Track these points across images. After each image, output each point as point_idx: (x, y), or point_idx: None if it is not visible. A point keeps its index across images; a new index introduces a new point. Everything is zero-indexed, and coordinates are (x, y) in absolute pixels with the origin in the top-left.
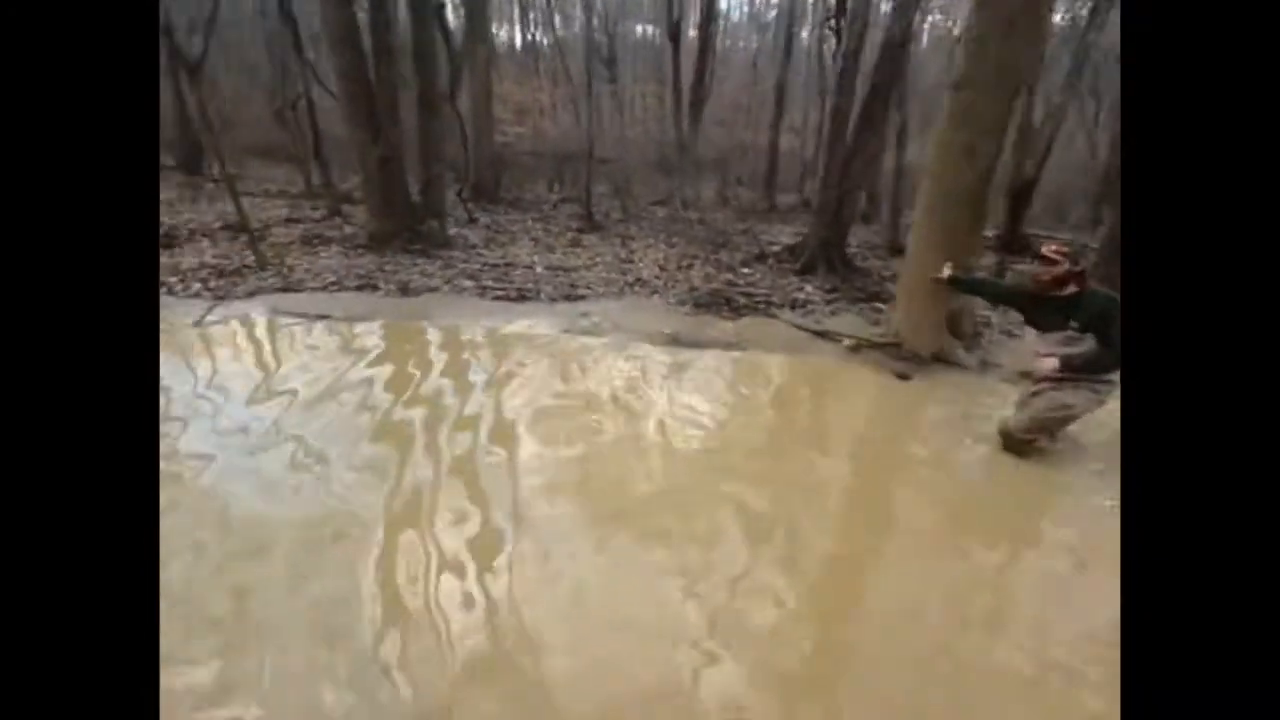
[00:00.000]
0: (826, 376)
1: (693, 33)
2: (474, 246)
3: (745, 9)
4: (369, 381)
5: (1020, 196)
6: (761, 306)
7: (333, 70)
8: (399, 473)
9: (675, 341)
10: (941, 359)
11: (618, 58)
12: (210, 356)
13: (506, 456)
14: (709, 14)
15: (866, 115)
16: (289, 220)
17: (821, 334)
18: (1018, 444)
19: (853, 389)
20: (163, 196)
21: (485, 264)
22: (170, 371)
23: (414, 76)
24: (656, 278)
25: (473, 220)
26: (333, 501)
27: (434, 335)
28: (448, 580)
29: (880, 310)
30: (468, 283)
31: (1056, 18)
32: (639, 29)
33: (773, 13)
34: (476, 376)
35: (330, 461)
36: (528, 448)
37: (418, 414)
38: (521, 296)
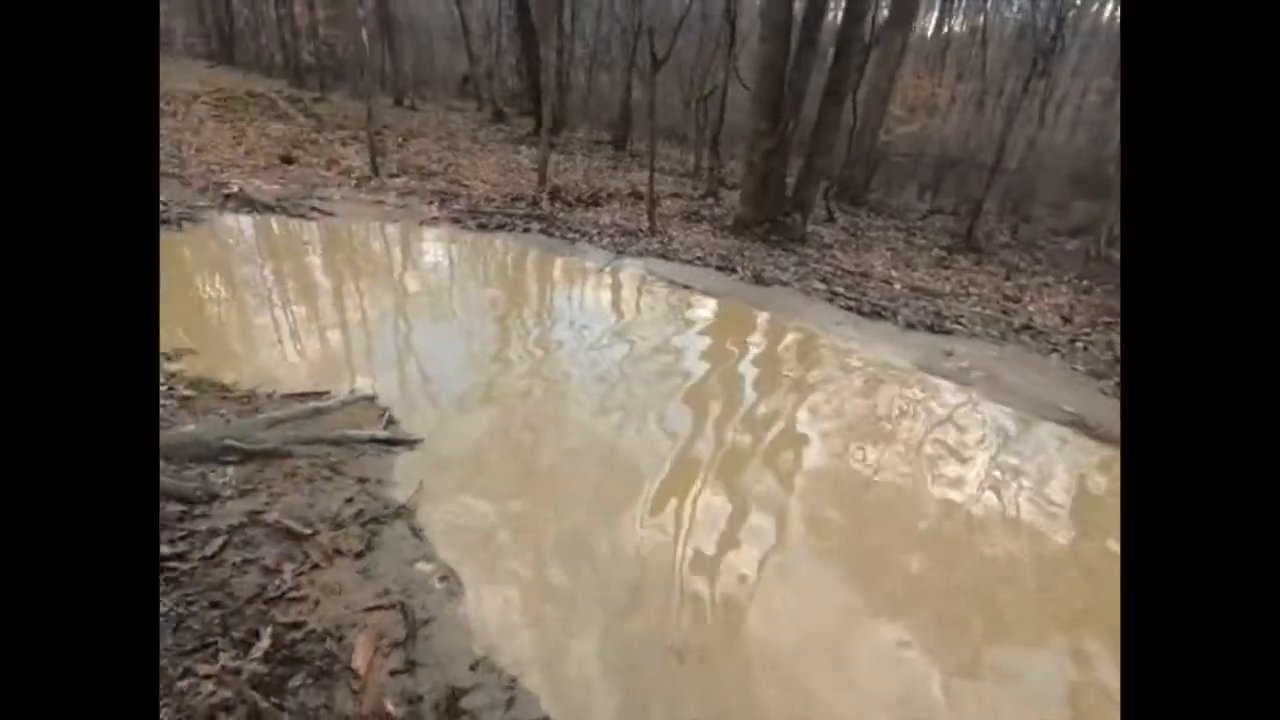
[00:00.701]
0: None
1: None
2: (828, 246)
3: None
4: (693, 350)
5: None
6: None
7: (756, 64)
8: (686, 440)
9: (1081, 427)
10: None
11: (1063, 46)
12: (597, 295)
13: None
14: None
15: None
16: (674, 195)
17: None
18: None
19: None
20: (595, 165)
21: (839, 268)
22: (570, 298)
23: (830, 69)
24: (1059, 330)
25: (831, 219)
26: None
27: (766, 328)
28: (689, 551)
29: None
30: (819, 285)
31: None
32: (1106, 11)
33: None
34: (791, 383)
35: (636, 409)
36: (808, 475)
37: (718, 397)
38: (875, 313)
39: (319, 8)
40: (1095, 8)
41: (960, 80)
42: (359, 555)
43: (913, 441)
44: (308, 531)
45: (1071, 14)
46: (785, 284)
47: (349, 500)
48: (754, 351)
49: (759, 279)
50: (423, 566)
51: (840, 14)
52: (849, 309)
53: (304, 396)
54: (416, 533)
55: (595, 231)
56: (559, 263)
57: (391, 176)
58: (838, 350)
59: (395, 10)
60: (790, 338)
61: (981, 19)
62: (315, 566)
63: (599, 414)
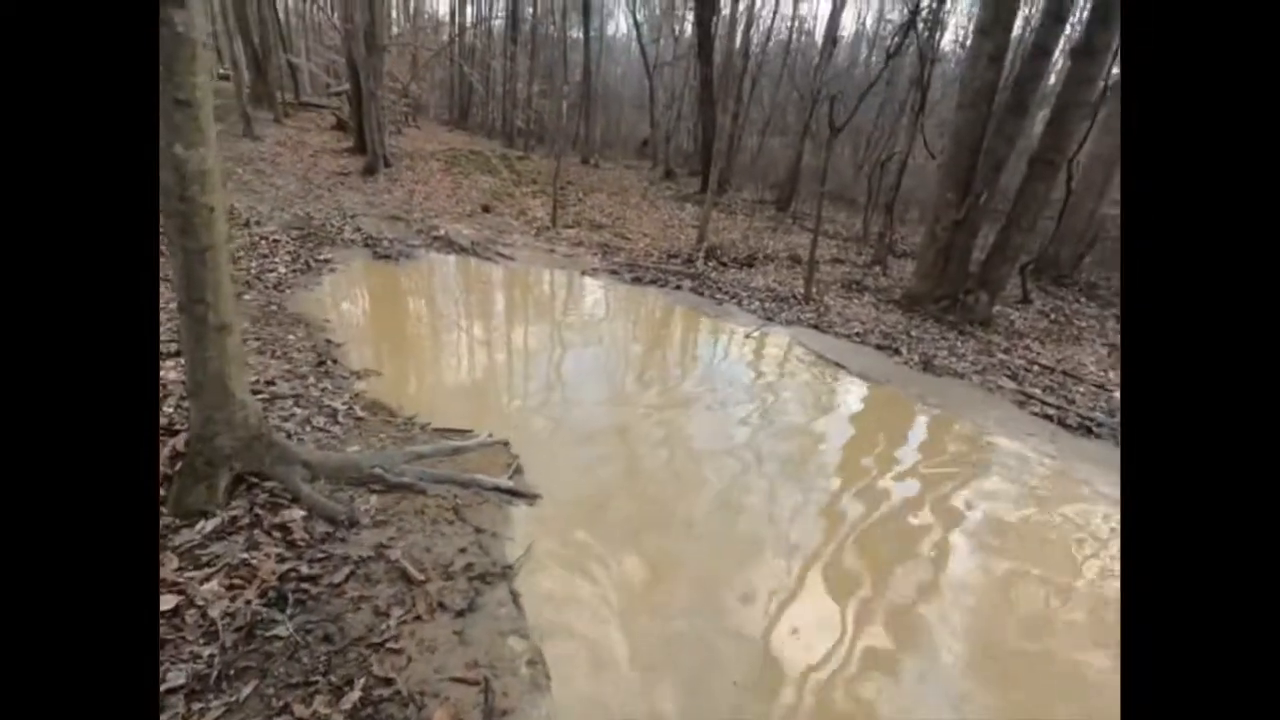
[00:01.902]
0: None
1: None
2: (1021, 335)
3: None
4: (832, 443)
5: None
6: None
7: (949, 131)
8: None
9: None
10: None
11: None
12: (742, 362)
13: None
14: None
15: None
16: (835, 260)
17: None
18: None
19: None
20: (755, 226)
21: (1034, 362)
22: (717, 359)
23: (1041, 134)
24: None
25: (1027, 299)
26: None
27: (930, 428)
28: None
29: None
30: (1007, 381)
31: None
32: None
33: None
34: (968, 511)
35: (759, 490)
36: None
37: (859, 500)
38: (1083, 427)
39: (535, 82)
40: None
41: None
42: (460, 614)
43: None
44: (420, 577)
45: None
46: (960, 375)
47: (463, 550)
48: (907, 459)
49: (928, 365)
50: (515, 643)
51: (1061, 76)
52: (1047, 417)
53: (450, 433)
54: (515, 599)
55: (745, 294)
56: (703, 324)
57: (566, 227)
58: (1024, 466)
59: (595, 84)
60: (957, 445)
61: None
62: (418, 618)
63: (721, 506)
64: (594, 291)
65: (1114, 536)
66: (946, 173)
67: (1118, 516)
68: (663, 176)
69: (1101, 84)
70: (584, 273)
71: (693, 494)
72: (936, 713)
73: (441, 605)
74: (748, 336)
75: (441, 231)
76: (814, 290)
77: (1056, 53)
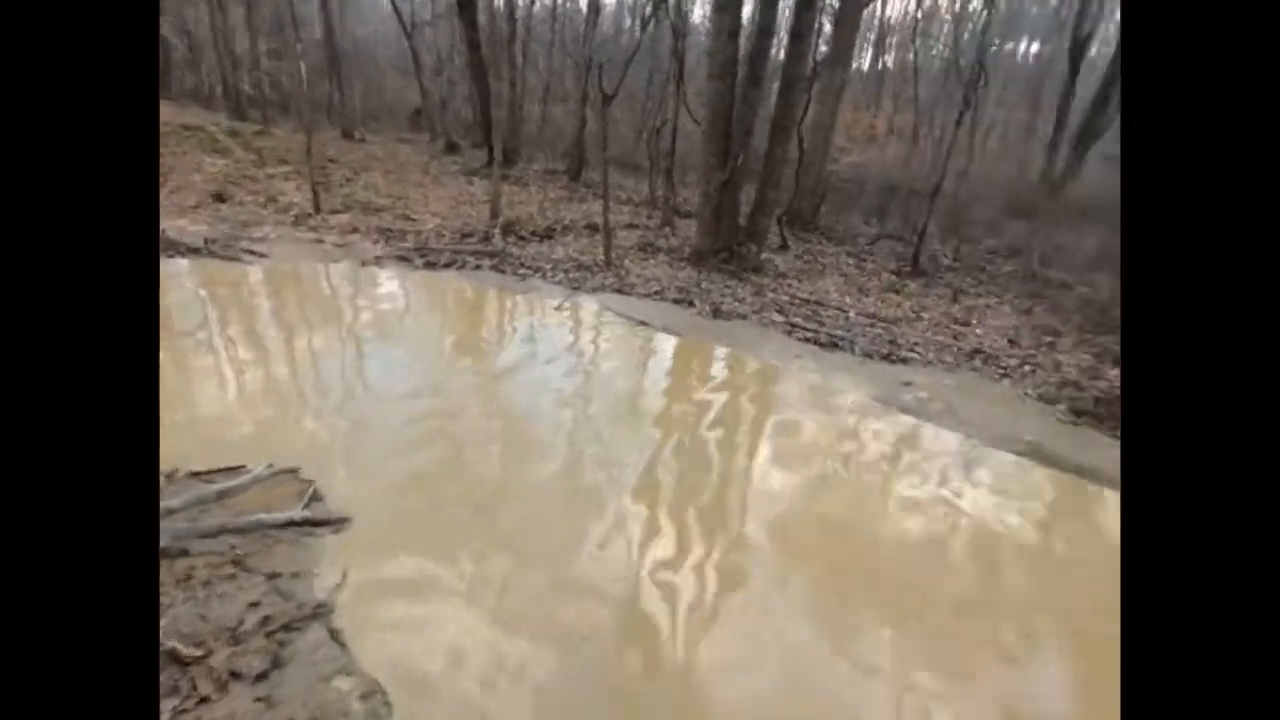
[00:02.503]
0: None
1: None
2: (783, 275)
3: None
4: (653, 389)
5: None
6: None
7: (705, 100)
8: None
9: (1037, 455)
10: None
11: (985, 80)
12: (551, 336)
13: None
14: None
15: None
16: (629, 225)
17: None
18: None
19: None
20: (552, 196)
21: (795, 297)
22: (533, 333)
23: (775, 104)
24: (1006, 353)
25: (785, 246)
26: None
27: (727, 364)
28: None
29: None
30: (777, 316)
31: None
32: (1021, 47)
33: None
34: (749, 426)
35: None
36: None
37: (680, 449)
38: (832, 344)
39: (260, 40)
40: (1010, 46)
41: (896, 113)
42: (261, 677)
43: (874, 483)
44: (198, 653)
45: (991, 51)
46: (744, 316)
47: (254, 604)
48: (713, 397)
49: (717, 312)
50: (341, 683)
51: (783, 52)
52: (807, 340)
53: (212, 475)
54: (336, 637)
55: (549, 267)
56: (512, 302)
57: (333, 213)
58: (798, 387)
59: (343, 43)
60: (750, 375)
61: (911, 57)
62: (204, 700)
63: (558, 475)
64: (384, 283)
65: (862, 427)
66: (708, 138)
67: (867, 411)
68: (445, 150)
69: (811, 61)
70: (366, 263)
71: (530, 463)
72: (763, 586)
73: (235, 675)
74: (558, 308)
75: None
76: (613, 256)
77: (781, 33)
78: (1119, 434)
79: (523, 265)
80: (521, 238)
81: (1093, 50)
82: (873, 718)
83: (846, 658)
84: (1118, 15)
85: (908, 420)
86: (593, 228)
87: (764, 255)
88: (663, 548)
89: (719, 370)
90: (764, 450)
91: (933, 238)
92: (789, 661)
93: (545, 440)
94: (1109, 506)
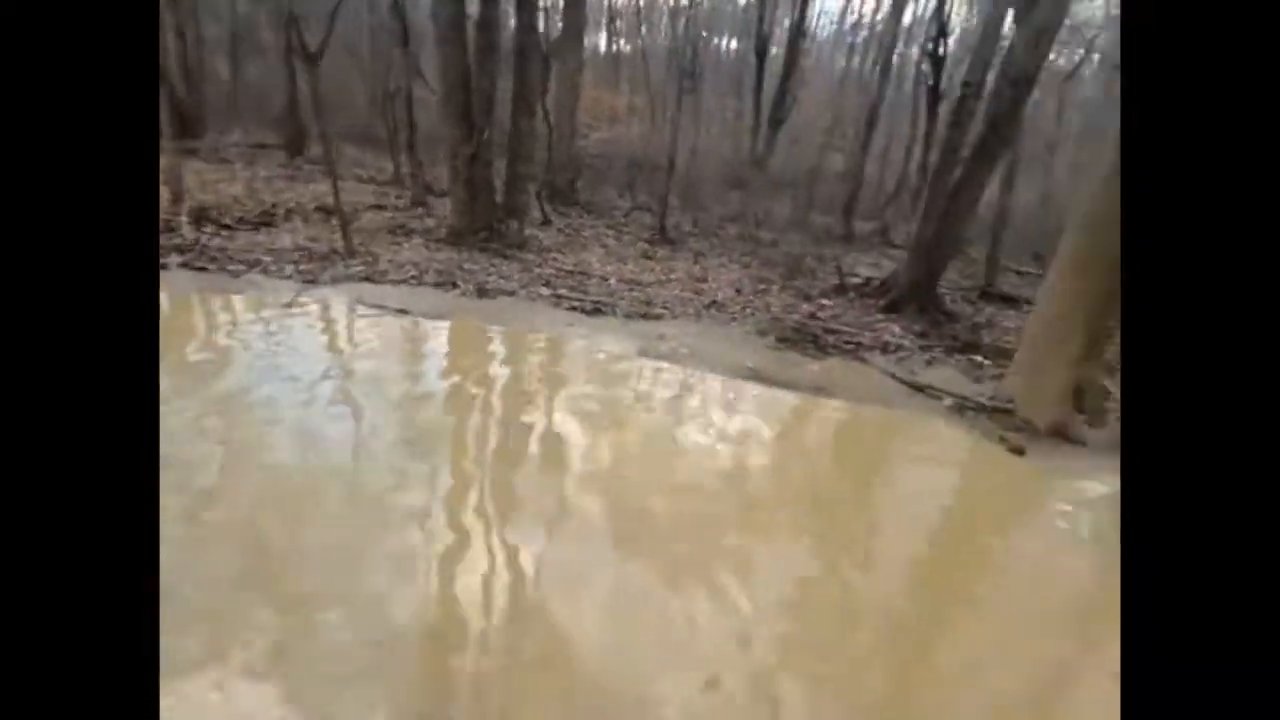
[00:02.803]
0: (926, 440)
1: (776, 49)
2: (548, 250)
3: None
4: (430, 377)
5: None
6: (850, 348)
7: (438, 66)
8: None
9: (757, 378)
10: (1060, 434)
11: (700, 69)
12: (299, 337)
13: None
14: (798, 30)
15: (981, 150)
16: (375, 207)
17: (919, 388)
18: None
19: (957, 458)
20: (265, 175)
21: (560, 270)
22: (267, 341)
23: (512, 76)
24: (733, 301)
25: (548, 221)
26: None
27: (503, 343)
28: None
29: (979, 364)
30: (544, 290)
31: None
32: (724, 42)
33: (863, 34)
34: (540, 397)
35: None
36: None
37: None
38: (596, 310)
39: None
40: (716, 41)
41: (633, 94)
42: None
43: (651, 417)
44: None
45: (700, 43)
46: (511, 293)
47: None
48: (498, 371)
49: (482, 292)
50: None
51: (514, 22)
52: (574, 309)
53: None
54: None
55: (270, 259)
56: (224, 306)
57: None
58: (571, 350)
59: None
60: (525, 346)
61: (640, 43)
62: None
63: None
64: None
65: (632, 375)
66: (446, 109)
67: (636, 361)
68: None
69: (541, 32)
70: None
71: (314, 511)
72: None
73: None
74: (288, 305)
75: None
76: (355, 242)
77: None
78: (810, 353)
79: (233, 260)
80: (226, 226)
81: (772, 50)
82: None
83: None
84: (788, 21)
85: (664, 364)
86: (326, 210)
87: (527, 231)
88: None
89: (496, 347)
90: (558, 409)
91: (675, 208)
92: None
93: (320, 472)
94: (805, 408)
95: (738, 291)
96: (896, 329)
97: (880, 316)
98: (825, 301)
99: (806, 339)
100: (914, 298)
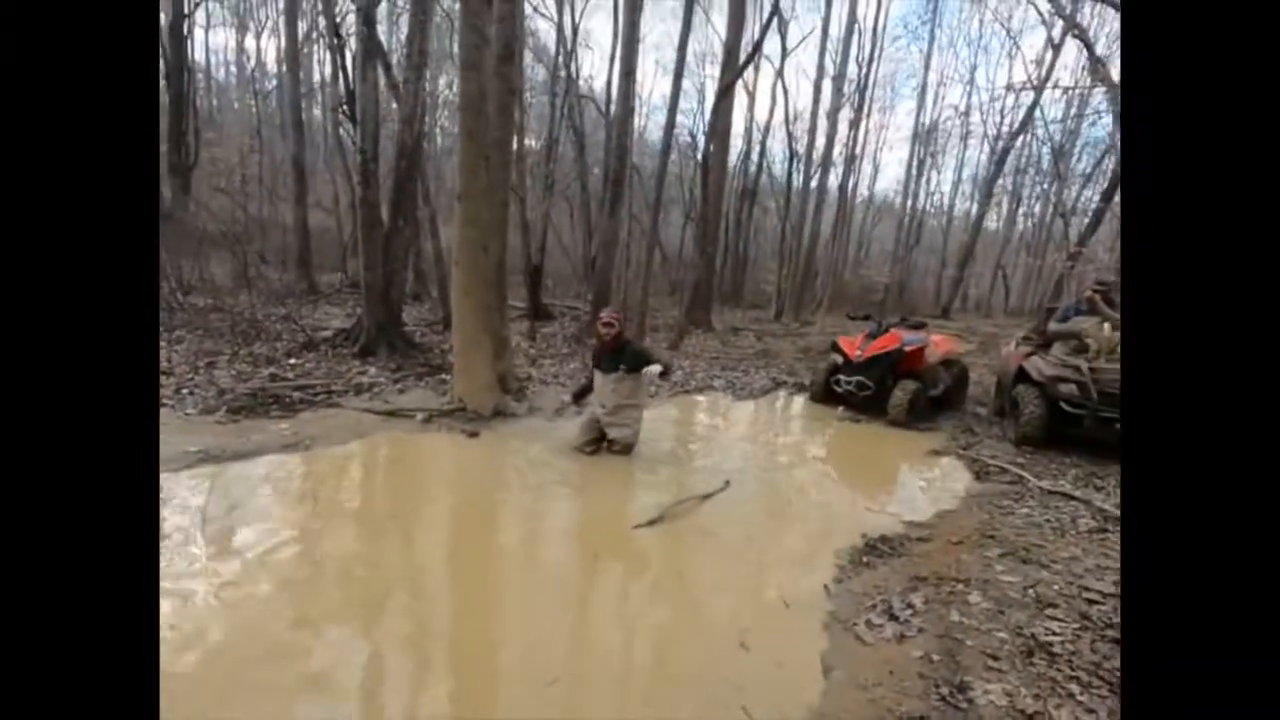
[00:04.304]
0: (404, 446)
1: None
2: None
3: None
4: None
5: (534, 276)
6: (322, 397)
7: None
8: None
9: (207, 459)
10: (501, 412)
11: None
12: None
13: None
14: (178, 67)
15: (396, 203)
16: None
17: (391, 413)
18: (628, 448)
19: (431, 454)
20: None
21: None
22: None
23: None
24: (164, 384)
25: None
26: None
27: None
28: None
29: (445, 381)
30: None
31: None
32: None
33: (272, 83)
34: None
35: None
36: None
37: None
38: None
39: None
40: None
41: None
42: None
43: None
44: None
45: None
46: None
47: None
48: None
49: None
50: None
51: None
52: None
53: None
54: None
55: None
56: None
57: None
58: None
59: None
60: None
61: None
62: None
63: None
64: None
65: None
66: None
67: None
68: None
69: None
70: None
71: None
72: None
73: None
74: None
75: None
76: None
77: None
78: (276, 414)
79: None
80: None
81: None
82: None
83: None
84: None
85: None
86: None
87: None
88: None
89: None
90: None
91: None
92: None
93: None
94: (277, 469)
95: (166, 374)
96: (372, 370)
97: (356, 363)
98: (294, 360)
99: (267, 403)
100: (384, 339)
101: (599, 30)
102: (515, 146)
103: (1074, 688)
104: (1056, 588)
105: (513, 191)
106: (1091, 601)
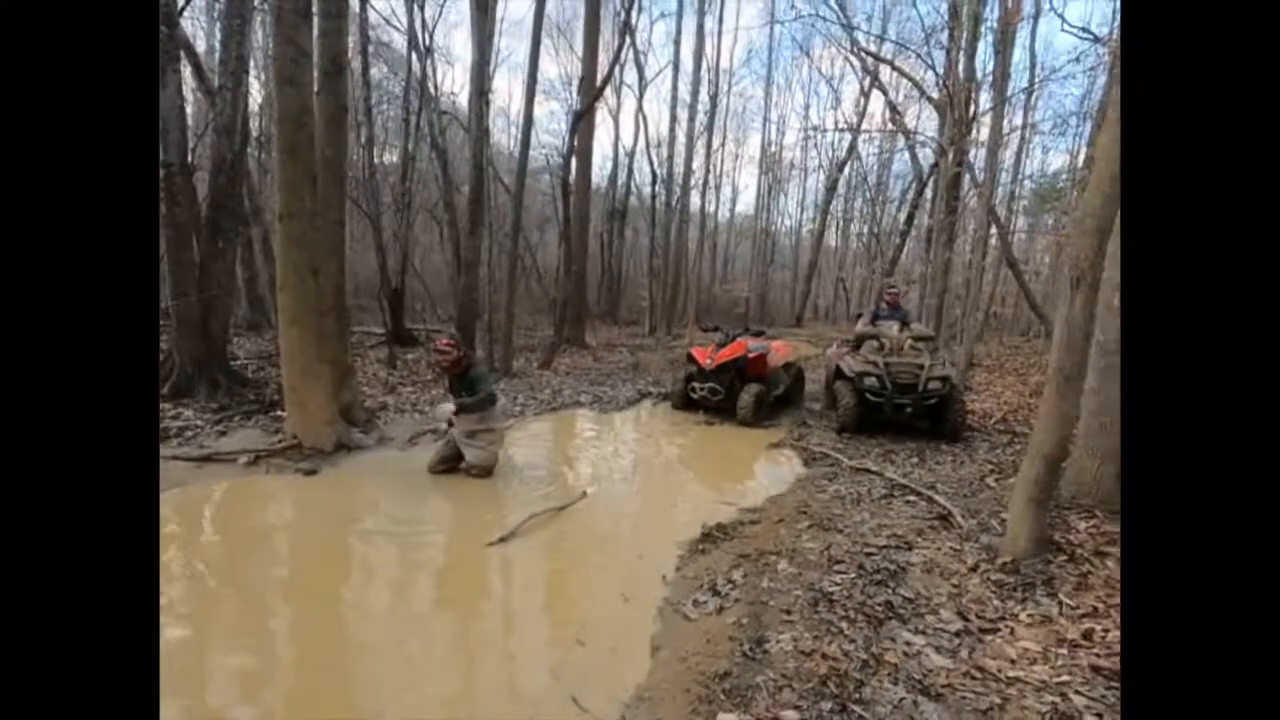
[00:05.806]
0: (227, 494)
1: None
2: None
3: None
4: None
5: (395, 299)
6: None
7: None
8: None
9: None
10: (345, 446)
11: None
12: None
13: None
14: None
15: (213, 221)
16: None
17: (206, 458)
18: (488, 470)
19: (255, 499)
20: None
21: None
22: None
23: None
24: None
25: None
26: None
27: None
28: None
29: (281, 417)
30: None
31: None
32: None
33: None
34: None
35: None
36: None
37: None
38: None
39: None
40: None
41: None
42: None
43: None
44: None
45: None
46: None
47: None
48: None
49: None
50: None
51: None
52: None
53: None
54: None
55: None
56: None
57: None
58: None
59: None
60: None
61: None
62: None
63: None
64: None
65: None
66: None
67: None
68: None
69: None
70: None
71: None
72: None
73: None
74: None
75: None
76: None
77: None
78: None
79: None
80: None
81: None
82: None
83: None
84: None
85: None
86: None
87: None
88: None
89: None
90: None
91: None
92: None
93: None
94: None
95: None
96: (187, 413)
97: (167, 406)
98: None
99: None
100: (203, 376)
101: (463, 47)
102: (367, 164)
103: (843, 625)
104: (845, 548)
105: (361, 210)
106: (868, 554)
